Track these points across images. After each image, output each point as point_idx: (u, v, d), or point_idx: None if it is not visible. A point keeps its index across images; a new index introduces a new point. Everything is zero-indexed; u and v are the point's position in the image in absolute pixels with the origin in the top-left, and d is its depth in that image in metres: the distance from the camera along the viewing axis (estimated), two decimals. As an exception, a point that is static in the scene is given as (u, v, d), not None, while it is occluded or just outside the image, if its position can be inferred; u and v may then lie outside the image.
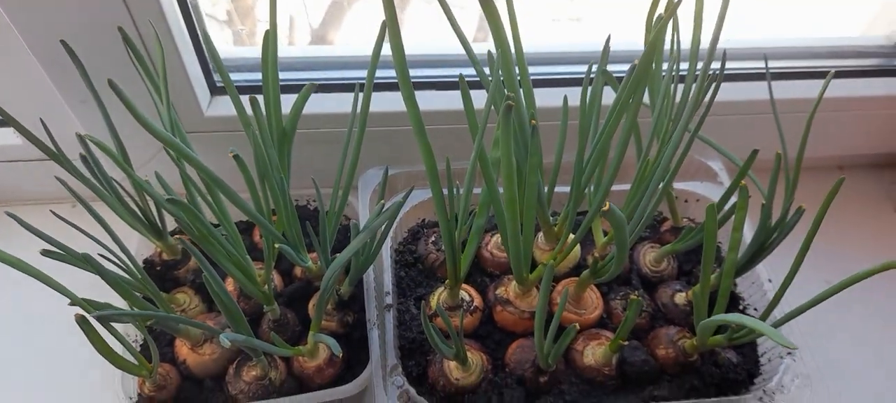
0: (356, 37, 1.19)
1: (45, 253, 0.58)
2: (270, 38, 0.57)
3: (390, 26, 0.46)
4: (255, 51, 0.85)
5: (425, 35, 1.05)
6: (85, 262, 0.52)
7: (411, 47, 0.51)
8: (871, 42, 0.91)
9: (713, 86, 0.56)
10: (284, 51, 0.88)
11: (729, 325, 0.64)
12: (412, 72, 0.81)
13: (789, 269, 0.56)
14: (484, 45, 0.96)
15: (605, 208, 0.44)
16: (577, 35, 1.08)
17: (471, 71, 0.84)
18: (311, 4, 1.08)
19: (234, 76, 0.80)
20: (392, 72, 0.80)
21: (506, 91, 0.53)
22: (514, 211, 0.51)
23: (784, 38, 0.95)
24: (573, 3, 1.30)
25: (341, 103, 0.80)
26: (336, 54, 0.87)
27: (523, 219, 0.55)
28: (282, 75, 0.62)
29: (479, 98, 0.61)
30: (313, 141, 0.81)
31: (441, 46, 0.87)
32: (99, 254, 0.58)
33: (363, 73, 0.83)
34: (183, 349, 0.69)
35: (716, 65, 0.57)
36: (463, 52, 0.55)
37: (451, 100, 0.81)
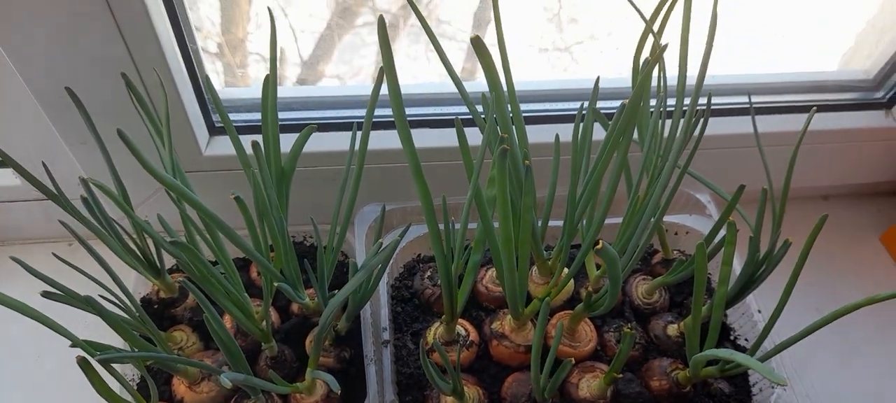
0: (346, 68, 1.21)
1: (47, 295, 0.58)
2: (270, 82, 0.59)
3: (388, 72, 0.47)
4: (251, 92, 0.86)
5: (415, 72, 1.07)
6: (87, 305, 0.53)
7: (402, 85, 0.53)
8: (851, 76, 0.94)
9: (701, 122, 0.58)
10: (281, 91, 0.90)
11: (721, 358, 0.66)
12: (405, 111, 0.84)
13: (778, 301, 0.58)
14: (475, 82, 0.99)
15: (598, 246, 0.46)
16: (565, 72, 1.11)
17: (464, 109, 0.87)
18: (302, 37, 1.10)
19: (231, 116, 0.82)
20: (387, 110, 0.82)
21: (499, 131, 0.54)
22: (510, 249, 0.52)
23: (765, 73, 0.98)
24: (561, 34, 1.33)
25: (337, 142, 0.82)
26: (330, 94, 0.88)
27: (518, 255, 0.56)
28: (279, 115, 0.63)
29: (472, 134, 0.63)
30: (309, 178, 0.83)
31: (431, 83, 0.89)
32: (99, 294, 0.59)
33: (357, 112, 0.85)
34: (180, 387, 0.69)
35: (702, 101, 0.59)
36: (454, 88, 0.57)
37: (444, 138, 0.83)
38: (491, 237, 0.55)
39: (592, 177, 0.59)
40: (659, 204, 0.61)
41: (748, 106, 0.85)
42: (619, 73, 0.94)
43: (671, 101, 0.65)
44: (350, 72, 1.17)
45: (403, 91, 0.48)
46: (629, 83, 0.83)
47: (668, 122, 0.66)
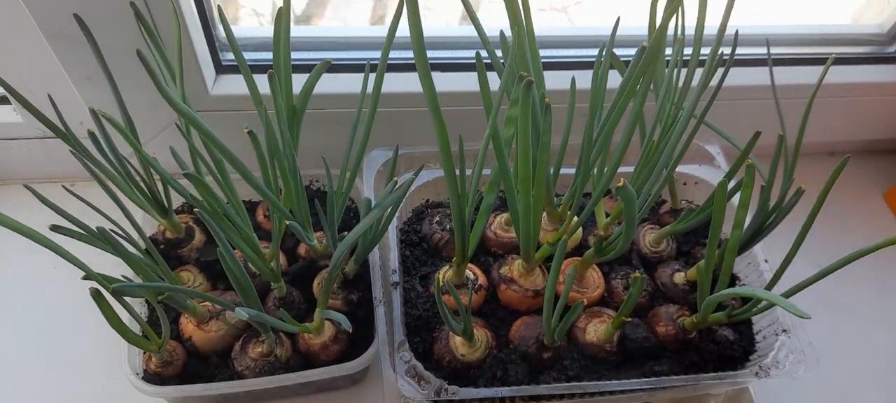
0: (338, 23, 1.19)
1: (56, 228, 0.58)
2: (283, 15, 0.58)
3: (409, 4, 0.46)
4: (258, 31, 0.85)
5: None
6: (101, 239, 0.52)
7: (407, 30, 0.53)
8: (864, 30, 0.94)
9: (720, 71, 0.57)
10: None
11: (728, 303, 0.66)
12: (408, 54, 0.82)
13: (790, 248, 0.58)
14: (467, 28, 0.97)
15: (619, 184, 0.46)
16: (564, 21, 1.10)
17: (469, 53, 0.85)
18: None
19: (233, 55, 0.80)
20: (395, 53, 0.80)
21: (519, 71, 0.54)
22: (528, 188, 0.52)
23: (776, 24, 0.96)
24: None
25: (345, 84, 0.80)
26: (334, 35, 0.86)
27: (533, 197, 0.56)
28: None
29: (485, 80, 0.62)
30: (316, 121, 0.82)
31: (436, 27, 0.87)
32: (111, 231, 0.58)
33: (361, 54, 0.84)
34: (188, 326, 0.69)
35: (722, 49, 0.58)
36: (459, 34, 0.56)
37: (451, 82, 0.82)
38: (506, 177, 0.54)
39: (609, 121, 0.59)
40: (672, 153, 0.61)
41: (760, 57, 0.85)
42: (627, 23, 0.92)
43: (686, 51, 0.64)
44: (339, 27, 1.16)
45: (404, 37, 0.47)
46: (637, 30, 0.82)
47: (683, 72, 0.65)
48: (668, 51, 0.65)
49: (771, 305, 0.62)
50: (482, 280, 0.71)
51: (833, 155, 1.07)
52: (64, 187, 0.60)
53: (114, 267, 0.59)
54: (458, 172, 0.56)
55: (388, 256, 0.73)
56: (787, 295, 0.61)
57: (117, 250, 0.55)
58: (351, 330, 0.60)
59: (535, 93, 0.55)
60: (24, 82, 0.74)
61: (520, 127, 0.47)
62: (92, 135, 0.60)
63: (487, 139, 0.51)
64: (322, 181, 0.85)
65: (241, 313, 0.52)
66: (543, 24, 1.02)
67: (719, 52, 0.57)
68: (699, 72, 0.62)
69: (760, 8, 1.01)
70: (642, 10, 0.71)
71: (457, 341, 0.66)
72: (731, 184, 0.67)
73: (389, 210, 0.66)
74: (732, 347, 0.69)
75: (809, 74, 0.89)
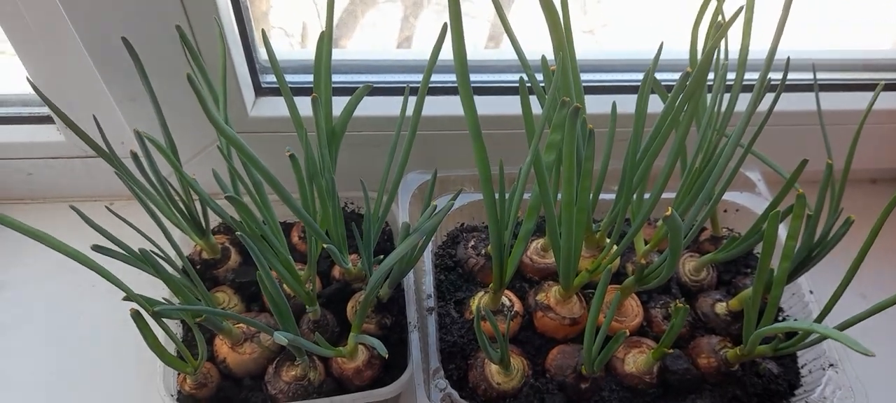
0: (367, 45, 1.20)
1: (97, 248, 0.58)
2: (325, 40, 0.58)
3: (454, 26, 0.46)
4: (294, 53, 0.86)
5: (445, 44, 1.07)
6: (143, 260, 0.53)
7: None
8: (909, 56, 0.92)
9: (770, 97, 0.56)
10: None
11: (773, 335, 0.64)
12: (443, 78, 0.82)
13: (841, 280, 0.56)
14: (499, 50, 0.97)
15: (667, 213, 0.45)
16: (591, 42, 1.09)
17: (499, 77, 0.85)
18: (325, 13, 1.10)
19: (272, 77, 0.81)
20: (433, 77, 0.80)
21: (562, 97, 0.53)
22: (571, 215, 0.51)
23: (817, 49, 0.95)
24: (586, 16, 1.31)
25: (380, 106, 0.80)
26: (371, 58, 0.87)
27: (575, 223, 0.55)
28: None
29: (516, 102, 0.61)
30: (351, 144, 0.82)
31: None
32: (151, 251, 0.58)
33: (397, 77, 0.84)
34: (223, 348, 0.69)
35: (771, 75, 0.57)
36: (487, 58, 0.55)
37: (485, 106, 0.82)
38: (548, 204, 0.54)
39: (652, 147, 0.58)
40: (717, 181, 0.59)
41: (805, 81, 0.83)
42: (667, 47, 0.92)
43: (729, 76, 0.63)
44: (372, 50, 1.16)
45: (441, 60, 0.46)
46: (674, 56, 0.81)
47: (726, 97, 0.64)
48: (711, 75, 0.64)
49: (818, 340, 0.60)
50: (518, 306, 0.70)
51: (875, 182, 1.04)
52: (107, 208, 0.60)
53: (150, 285, 0.60)
54: (497, 196, 0.55)
55: (422, 280, 0.72)
56: (840, 329, 0.59)
57: (158, 270, 0.55)
58: (386, 356, 0.60)
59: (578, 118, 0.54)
60: (67, 102, 0.76)
61: (565, 153, 0.46)
62: (134, 155, 0.60)
63: (529, 165, 0.51)
64: (356, 203, 0.85)
65: (280, 337, 0.51)
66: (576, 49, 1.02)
67: (768, 77, 0.55)
68: (742, 97, 0.61)
69: (800, 32, 0.99)
70: (675, 30, 0.70)
71: (493, 369, 0.65)
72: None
73: (427, 234, 0.66)
74: (777, 381, 0.67)
75: (852, 100, 0.87)
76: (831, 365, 0.66)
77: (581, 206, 0.53)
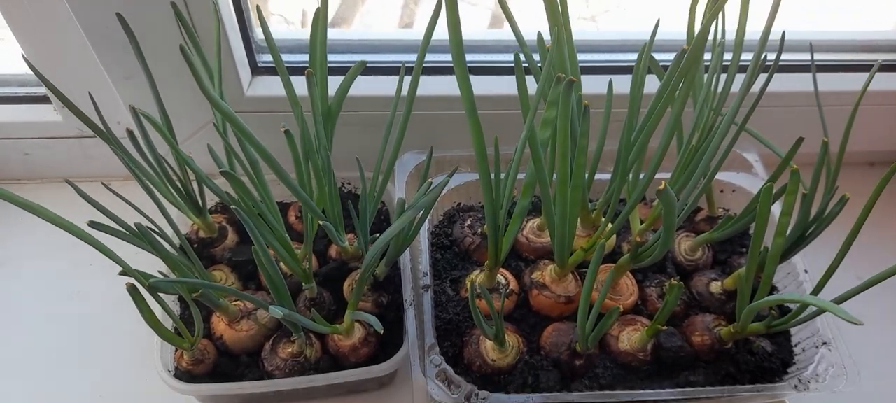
0: (366, 31, 1.21)
1: (93, 224, 0.58)
2: (321, 17, 0.58)
3: (448, 2, 0.46)
4: (290, 33, 0.85)
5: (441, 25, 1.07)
6: (139, 236, 0.53)
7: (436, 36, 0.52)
8: (907, 37, 0.91)
9: (762, 77, 0.56)
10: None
11: (767, 313, 0.65)
12: (439, 58, 0.82)
13: (834, 257, 0.57)
14: (502, 31, 0.96)
15: (660, 188, 0.45)
16: (593, 29, 1.09)
17: (498, 57, 0.85)
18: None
19: (268, 57, 0.81)
20: (427, 57, 0.80)
21: (557, 73, 0.53)
22: (565, 191, 0.51)
23: (815, 30, 0.95)
24: (588, 7, 1.31)
25: (377, 86, 0.80)
26: (366, 38, 0.87)
27: (570, 200, 0.56)
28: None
29: (513, 83, 0.61)
30: (347, 124, 0.82)
31: (465, 32, 0.87)
32: (148, 228, 0.59)
33: (390, 57, 0.84)
34: (220, 325, 0.69)
35: (764, 54, 0.57)
36: (488, 38, 0.55)
37: (483, 86, 0.81)
38: (543, 180, 0.54)
39: (647, 125, 0.58)
40: (711, 159, 0.60)
41: (802, 62, 0.83)
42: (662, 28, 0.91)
43: (726, 56, 0.63)
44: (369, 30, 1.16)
45: (436, 40, 0.46)
46: (674, 38, 0.81)
47: (722, 77, 0.64)
48: (707, 56, 0.64)
49: (811, 316, 0.60)
50: (513, 285, 0.71)
51: (874, 165, 1.04)
52: (103, 185, 0.60)
53: (148, 265, 0.60)
54: (492, 175, 0.55)
55: (418, 259, 0.73)
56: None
57: (155, 247, 0.55)
58: (382, 332, 0.60)
59: (574, 94, 0.54)
60: (64, 82, 0.76)
61: (559, 128, 0.46)
62: (130, 133, 0.61)
63: (524, 141, 0.51)
64: (353, 183, 0.86)
65: (275, 311, 0.52)
66: (574, 30, 1.02)
67: (763, 56, 0.55)
68: (739, 77, 0.61)
69: (798, 13, 0.99)
70: (676, 16, 0.70)
71: (488, 345, 0.65)
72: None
73: (422, 212, 0.66)
74: (770, 359, 0.67)
75: (849, 81, 0.87)
76: (825, 343, 0.67)
77: (576, 184, 0.53)
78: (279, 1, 1.30)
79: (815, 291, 0.58)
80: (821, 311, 0.61)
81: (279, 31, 0.92)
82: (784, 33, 0.58)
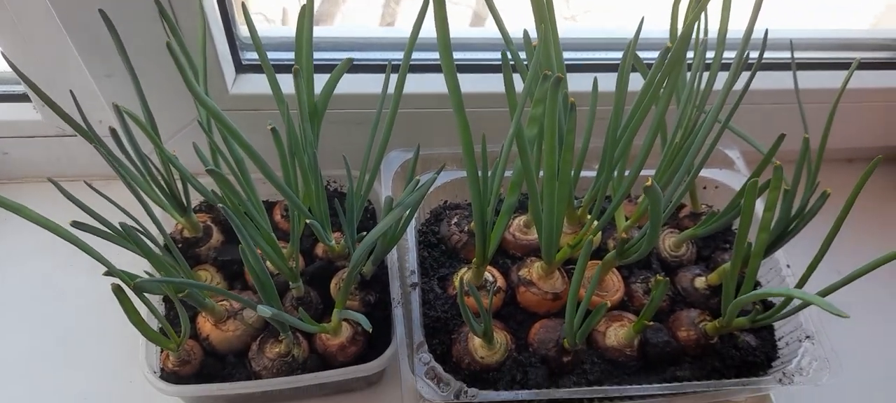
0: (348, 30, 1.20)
1: (76, 224, 0.57)
2: (307, 13, 0.58)
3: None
4: (274, 30, 0.85)
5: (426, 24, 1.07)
6: (124, 236, 0.52)
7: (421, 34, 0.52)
8: (885, 34, 0.93)
9: (744, 75, 0.57)
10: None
11: (751, 308, 0.66)
12: (425, 55, 0.82)
13: (816, 252, 0.57)
14: (485, 28, 0.96)
15: (647, 184, 0.45)
16: (576, 25, 1.10)
17: (482, 55, 0.85)
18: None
19: (252, 55, 0.80)
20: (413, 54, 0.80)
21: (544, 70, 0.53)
22: (553, 188, 0.51)
23: (794, 28, 0.96)
24: (569, 6, 1.32)
25: (363, 84, 0.80)
26: (351, 35, 0.86)
27: (557, 197, 0.56)
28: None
29: (498, 80, 0.60)
30: (332, 122, 0.82)
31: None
32: (133, 228, 0.58)
33: (373, 55, 0.84)
34: (206, 325, 0.69)
35: (747, 52, 0.58)
36: (471, 36, 0.55)
37: (467, 84, 0.81)
38: (530, 176, 0.54)
39: (632, 123, 0.58)
40: (695, 156, 0.60)
41: (783, 60, 0.84)
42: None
43: (708, 55, 0.64)
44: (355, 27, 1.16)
45: (421, 38, 0.46)
46: (656, 37, 0.82)
47: (705, 75, 0.65)
48: (690, 54, 0.65)
49: (795, 310, 0.61)
50: (501, 282, 0.71)
51: (852, 162, 1.06)
52: (86, 183, 0.59)
53: (133, 266, 0.59)
54: (480, 173, 0.55)
55: (405, 258, 0.72)
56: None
57: (140, 246, 0.55)
58: (371, 330, 0.60)
59: (560, 92, 0.54)
60: (43, 79, 0.74)
61: (547, 124, 0.47)
62: (113, 131, 0.60)
63: (512, 138, 0.51)
64: (338, 182, 0.85)
65: (263, 310, 0.51)
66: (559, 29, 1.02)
67: (746, 54, 0.56)
68: (721, 76, 0.62)
69: (777, 11, 1.00)
70: (658, 15, 0.70)
71: (476, 343, 0.65)
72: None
73: (409, 209, 0.66)
74: (754, 353, 0.68)
75: (828, 79, 0.89)
76: (808, 337, 0.68)
77: (563, 179, 0.54)
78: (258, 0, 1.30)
79: (799, 285, 0.59)
80: (805, 305, 0.62)
81: (261, 28, 0.91)
82: (767, 31, 0.59)
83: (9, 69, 0.57)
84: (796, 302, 0.64)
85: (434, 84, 0.81)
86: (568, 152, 0.53)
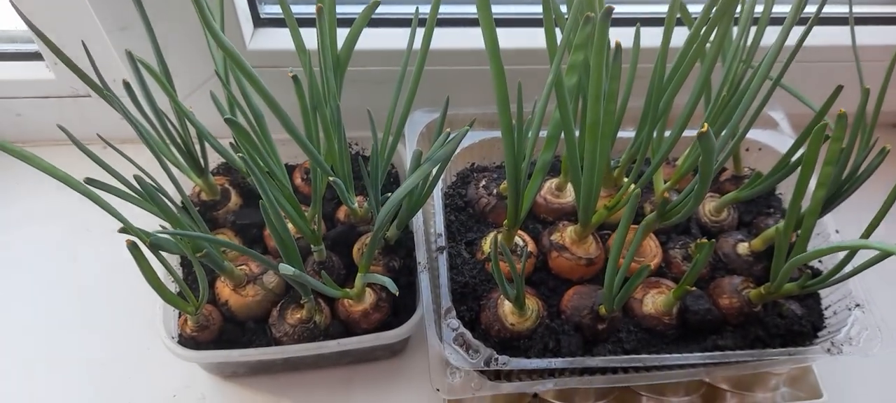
0: None
1: (90, 181, 0.54)
2: (330, -44, 0.54)
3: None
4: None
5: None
6: (141, 194, 0.49)
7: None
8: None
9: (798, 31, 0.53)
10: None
11: (799, 275, 0.62)
12: (452, 9, 0.78)
13: (875, 214, 0.53)
14: None
15: (703, 129, 0.41)
16: None
17: (513, 9, 0.81)
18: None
19: (270, 7, 0.77)
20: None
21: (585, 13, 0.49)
22: (595, 137, 0.48)
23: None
24: None
25: (388, 40, 0.77)
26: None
27: (598, 151, 0.52)
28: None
29: (528, 35, 0.56)
30: (355, 81, 0.78)
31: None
32: (150, 184, 0.55)
33: (399, 8, 0.80)
34: (225, 290, 0.66)
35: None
36: None
37: (507, 39, 0.78)
38: (568, 127, 0.50)
39: (678, 74, 0.54)
40: (743, 116, 0.56)
41: (837, 15, 0.79)
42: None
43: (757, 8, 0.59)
44: None
45: None
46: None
47: (753, 30, 0.60)
48: (737, 8, 0.60)
49: (846, 277, 0.57)
50: (532, 247, 0.67)
51: (896, 127, 1.01)
52: (99, 136, 0.57)
53: (149, 228, 0.57)
54: (514, 122, 0.52)
55: (430, 222, 0.69)
56: (865, 266, 0.56)
57: (157, 204, 0.52)
58: (397, 293, 0.57)
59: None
60: (55, 34, 0.72)
61: (593, 64, 0.43)
62: (127, 85, 0.57)
63: (550, 86, 0.47)
64: (361, 144, 0.82)
65: (285, 269, 0.48)
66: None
67: (803, 6, 0.52)
68: (769, 31, 0.58)
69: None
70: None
71: (506, 309, 0.62)
72: (800, 151, 0.62)
73: (437, 168, 0.63)
74: (800, 322, 0.64)
75: (882, 35, 0.83)
76: (858, 306, 0.64)
77: (605, 132, 0.50)
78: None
79: (866, 234, 0.54)
80: (856, 272, 0.58)
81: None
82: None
83: (20, 26, 0.54)
84: (848, 269, 0.60)
85: (463, 39, 0.77)
86: (610, 103, 0.49)
